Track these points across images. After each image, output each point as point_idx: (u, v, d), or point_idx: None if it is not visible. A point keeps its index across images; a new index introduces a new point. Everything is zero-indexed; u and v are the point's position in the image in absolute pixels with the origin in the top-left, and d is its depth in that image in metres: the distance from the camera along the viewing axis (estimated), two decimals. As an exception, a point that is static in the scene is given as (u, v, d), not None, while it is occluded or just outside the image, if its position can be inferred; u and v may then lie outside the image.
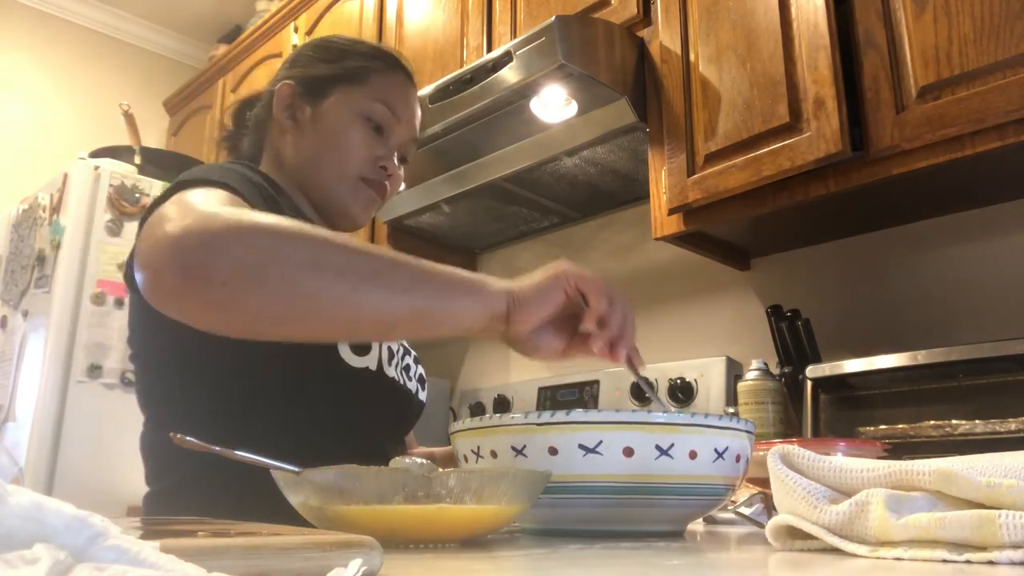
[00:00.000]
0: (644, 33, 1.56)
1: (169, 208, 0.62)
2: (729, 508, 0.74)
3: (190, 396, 0.82)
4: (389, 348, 0.90)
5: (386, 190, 0.96)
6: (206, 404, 0.81)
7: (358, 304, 0.60)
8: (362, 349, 0.85)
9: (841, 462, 0.50)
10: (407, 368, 0.96)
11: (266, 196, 0.81)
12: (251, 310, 0.58)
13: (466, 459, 0.65)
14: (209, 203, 0.63)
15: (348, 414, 0.86)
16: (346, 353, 0.83)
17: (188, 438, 0.53)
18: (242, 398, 0.81)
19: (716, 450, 0.59)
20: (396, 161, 0.98)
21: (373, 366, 0.86)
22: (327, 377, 0.82)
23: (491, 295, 0.65)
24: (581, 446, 0.57)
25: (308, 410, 0.83)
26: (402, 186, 1.86)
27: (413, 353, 1.01)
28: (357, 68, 0.96)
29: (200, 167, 0.82)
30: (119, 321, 2.09)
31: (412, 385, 0.96)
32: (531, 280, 0.67)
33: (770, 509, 0.72)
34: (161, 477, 0.86)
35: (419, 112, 1.02)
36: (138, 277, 0.61)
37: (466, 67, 1.64)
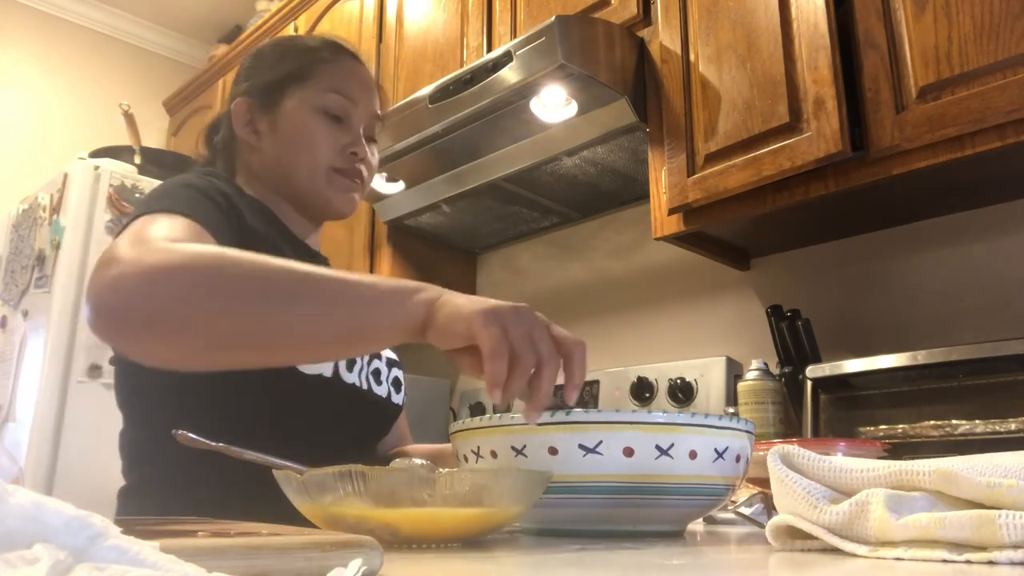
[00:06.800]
0: (644, 33, 1.55)
1: (121, 244, 0.64)
2: (729, 508, 0.75)
3: (161, 394, 0.82)
4: None
5: (361, 175, 0.96)
6: (176, 404, 0.81)
7: (287, 324, 0.60)
8: None
9: (841, 462, 0.50)
10: (376, 372, 0.94)
11: (226, 207, 0.81)
12: (182, 347, 0.60)
13: (466, 459, 0.65)
14: (155, 242, 0.64)
15: (302, 422, 0.84)
16: None
17: (191, 435, 0.54)
18: (210, 401, 0.80)
19: (716, 450, 0.59)
20: (364, 142, 0.98)
21: (328, 372, 0.84)
22: (277, 384, 0.80)
23: (412, 306, 0.61)
24: (581, 446, 0.57)
25: (263, 418, 0.82)
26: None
27: (386, 356, 0.98)
28: (302, 64, 0.96)
29: (169, 184, 0.81)
30: (119, 321, 2.09)
31: (382, 390, 0.94)
32: (459, 306, 0.59)
33: (770, 509, 0.72)
34: (134, 470, 0.87)
35: (375, 89, 1.01)
36: (84, 309, 0.62)
37: (466, 67, 1.64)
